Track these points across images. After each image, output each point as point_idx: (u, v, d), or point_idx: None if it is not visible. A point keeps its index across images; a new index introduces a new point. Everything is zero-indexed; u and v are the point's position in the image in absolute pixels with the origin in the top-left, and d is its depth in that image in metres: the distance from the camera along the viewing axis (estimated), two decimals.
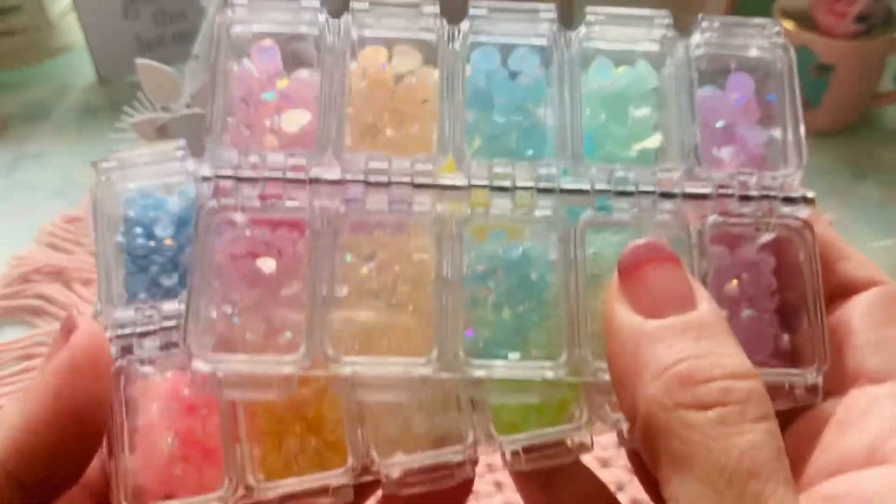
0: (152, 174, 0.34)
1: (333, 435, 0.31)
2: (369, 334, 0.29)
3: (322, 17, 0.31)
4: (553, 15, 0.31)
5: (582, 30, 0.32)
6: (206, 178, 0.29)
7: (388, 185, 0.29)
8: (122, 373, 0.31)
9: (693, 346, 0.24)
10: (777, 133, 0.31)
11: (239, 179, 0.29)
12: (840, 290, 0.30)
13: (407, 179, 0.29)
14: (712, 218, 0.30)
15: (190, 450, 0.31)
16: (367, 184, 0.29)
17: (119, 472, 0.29)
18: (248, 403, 0.30)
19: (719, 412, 0.23)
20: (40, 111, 0.87)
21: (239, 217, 0.30)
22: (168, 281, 0.33)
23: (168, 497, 0.30)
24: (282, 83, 0.32)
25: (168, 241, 0.33)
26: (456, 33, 0.31)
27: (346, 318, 0.29)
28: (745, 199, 0.30)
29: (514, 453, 0.30)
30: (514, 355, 0.29)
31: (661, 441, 0.23)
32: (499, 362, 0.28)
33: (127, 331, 0.31)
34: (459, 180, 0.29)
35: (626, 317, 0.26)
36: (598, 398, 0.30)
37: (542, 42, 0.32)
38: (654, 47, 0.32)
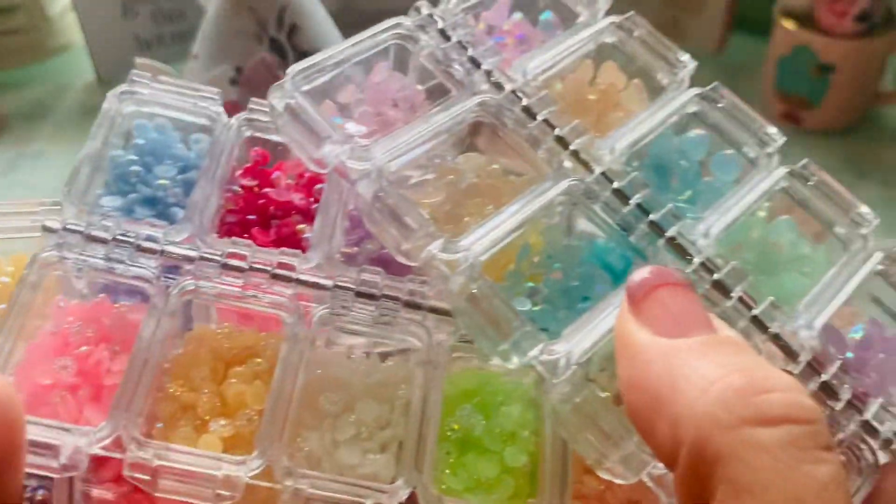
0: (178, 106, 0.35)
1: (244, 428, 0.29)
2: None
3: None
4: None
5: None
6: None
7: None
8: (53, 266, 0.30)
9: (738, 359, 0.22)
10: None
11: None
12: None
13: None
14: None
15: (83, 381, 0.29)
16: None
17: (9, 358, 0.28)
18: (168, 364, 0.30)
19: (790, 430, 0.20)
20: (39, 111, 0.87)
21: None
22: (142, 211, 0.33)
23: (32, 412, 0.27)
24: None
25: (164, 182, 0.34)
26: None
27: None
28: None
29: None
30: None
31: (722, 468, 0.20)
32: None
33: (77, 227, 0.30)
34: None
35: (650, 338, 0.23)
36: None
37: None
38: None
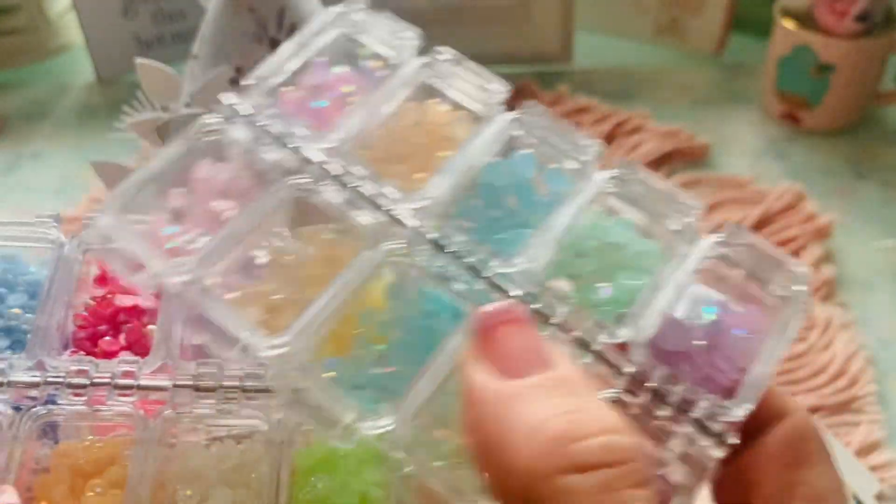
0: (18, 237, 0.36)
1: None
2: None
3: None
4: None
5: None
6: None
7: None
8: None
9: (564, 402, 0.22)
10: None
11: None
12: (756, 425, 0.29)
13: None
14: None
15: None
16: None
17: None
18: None
19: (603, 475, 0.21)
20: (39, 111, 0.87)
21: None
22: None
23: None
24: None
25: (17, 311, 0.35)
26: None
27: None
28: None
29: None
30: None
31: None
32: None
33: None
34: None
35: (487, 380, 0.23)
36: None
37: None
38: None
